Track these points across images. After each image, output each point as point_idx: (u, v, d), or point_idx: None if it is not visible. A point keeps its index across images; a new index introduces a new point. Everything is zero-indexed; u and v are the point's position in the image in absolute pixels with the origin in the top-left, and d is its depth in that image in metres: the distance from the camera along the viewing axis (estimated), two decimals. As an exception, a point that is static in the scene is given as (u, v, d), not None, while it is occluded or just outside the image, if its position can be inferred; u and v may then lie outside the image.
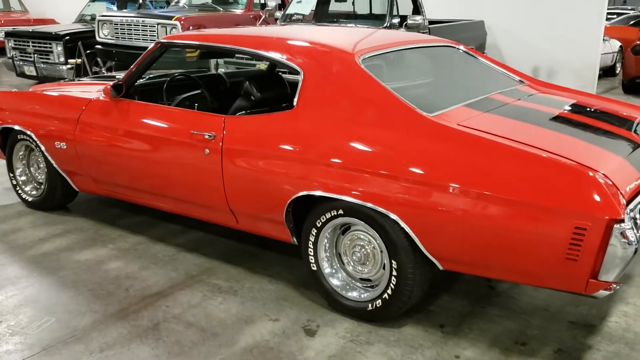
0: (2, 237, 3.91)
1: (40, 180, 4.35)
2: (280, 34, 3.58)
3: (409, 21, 7.46)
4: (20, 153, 4.38)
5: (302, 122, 2.95)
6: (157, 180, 3.58)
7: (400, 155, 2.65)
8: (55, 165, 4.06)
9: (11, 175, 4.44)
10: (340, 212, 2.84)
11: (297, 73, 3.03)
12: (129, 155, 3.62)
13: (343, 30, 4.15)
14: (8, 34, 10.36)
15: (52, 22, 14.42)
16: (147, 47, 3.73)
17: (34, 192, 4.37)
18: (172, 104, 3.91)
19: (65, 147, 3.91)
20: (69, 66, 9.60)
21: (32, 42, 9.87)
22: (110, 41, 8.84)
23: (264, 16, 8.88)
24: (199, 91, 4.13)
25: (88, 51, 9.53)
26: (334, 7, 8.76)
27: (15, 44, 10.17)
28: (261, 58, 3.16)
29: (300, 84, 3.00)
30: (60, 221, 4.16)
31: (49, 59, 9.74)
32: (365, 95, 2.87)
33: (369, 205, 2.69)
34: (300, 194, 2.89)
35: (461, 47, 3.89)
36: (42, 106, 4.10)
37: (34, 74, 9.97)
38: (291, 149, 2.92)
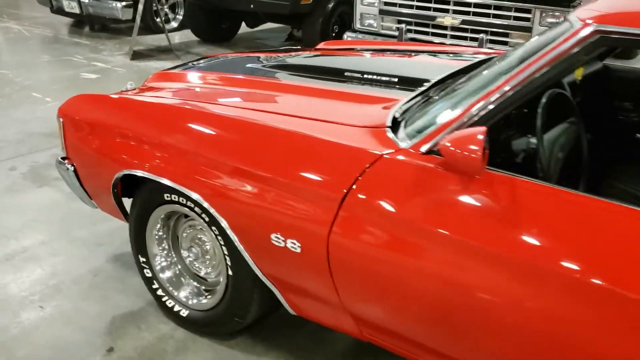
0: None
1: (208, 277, 2.22)
2: None
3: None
4: (159, 226, 2.22)
5: None
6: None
7: None
8: (256, 269, 1.91)
9: (142, 260, 2.29)
10: None
11: None
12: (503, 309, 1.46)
13: None
14: (41, -43, 7.94)
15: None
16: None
17: (193, 302, 2.23)
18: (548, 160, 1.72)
19: (299, 248, 1.75)
20: (124, 3, 7.24)
21: (75, -31, 7.48)
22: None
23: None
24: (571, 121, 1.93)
25: (149, -17, 7.17)
26: None
27: (51, -29, 7.77)
28: None
29: None
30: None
31: (97, -8, 7.36)
32: None
33: None
34: None
35: None
36: (241, 145, 1.87)
37: (76, 11, 7.60)
38: None
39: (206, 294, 2.21)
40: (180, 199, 2.02)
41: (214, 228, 1.98)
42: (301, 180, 1.71)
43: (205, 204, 1.89)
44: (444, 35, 4.68)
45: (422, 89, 2.00)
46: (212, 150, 1.89)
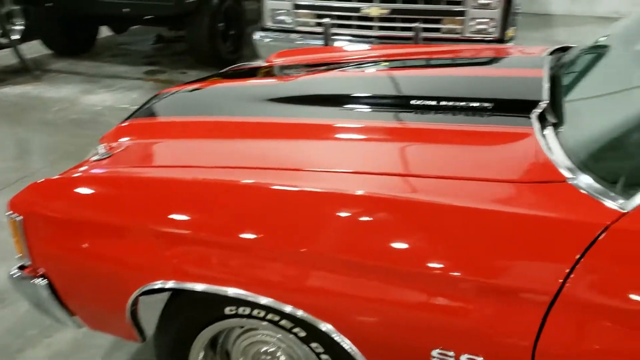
0: None
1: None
2: None
3: None
4: (204, 353, 1.59)
5: None
6: None
7: None
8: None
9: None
10: None
11: None
12: None
13: None
14: None
15: None
16: None
17: None
18: None
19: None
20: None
21: None
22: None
23: None
24: None
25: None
26: None
27: None
28: None
29: None
30: None
31: None
32: None
33: None
34: None
35: None
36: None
37: None
38: None
39: None
40: (256, 311, 1.43)
41: (314, 345, 1.42)
42: (479, 275, 1.22)
43: (310, 317, 1.32)
44: (370, 27, 4.29)
45: (534, 111, 1.58)
46: (318, 242, 1.32)
